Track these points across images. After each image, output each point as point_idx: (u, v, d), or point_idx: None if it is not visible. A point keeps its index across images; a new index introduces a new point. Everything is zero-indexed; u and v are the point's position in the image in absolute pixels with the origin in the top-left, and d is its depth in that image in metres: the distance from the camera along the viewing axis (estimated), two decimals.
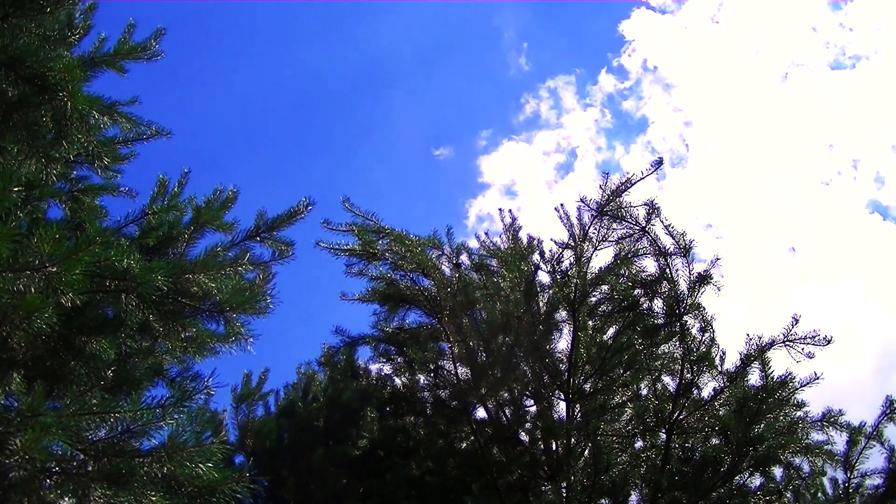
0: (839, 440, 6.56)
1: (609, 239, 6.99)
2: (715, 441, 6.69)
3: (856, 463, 6.61)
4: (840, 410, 6.47)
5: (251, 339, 4.19)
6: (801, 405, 6.44)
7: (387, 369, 7.79)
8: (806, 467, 6.85)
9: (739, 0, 24.58)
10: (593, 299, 7.18)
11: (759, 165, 25.50)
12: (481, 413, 7.27)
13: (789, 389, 6.35)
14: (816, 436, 6.49)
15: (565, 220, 7.35)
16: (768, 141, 25.31)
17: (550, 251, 7.80)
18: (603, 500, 6.82)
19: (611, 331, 7.28)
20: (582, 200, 6.85)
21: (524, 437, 7.39)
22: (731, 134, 25.65)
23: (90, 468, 3.17)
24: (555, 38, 24.47)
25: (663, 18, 24.06)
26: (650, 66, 24.01)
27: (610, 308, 7.28)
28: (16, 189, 3.21)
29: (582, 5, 24.22)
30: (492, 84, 24.97)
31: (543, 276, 7.75)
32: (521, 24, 23.82)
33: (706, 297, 6.56)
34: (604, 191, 6.73)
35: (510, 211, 8.23)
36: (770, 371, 6.36)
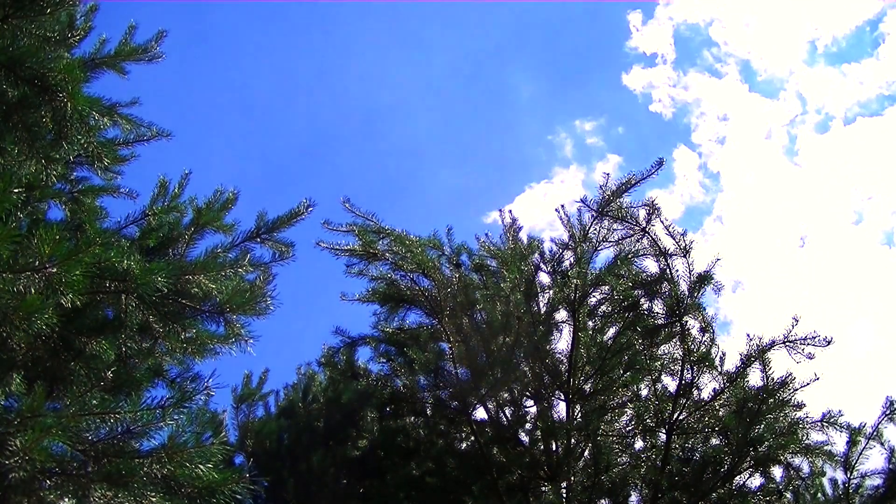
0: (839, 440, 6.57)
1: (609, 239, 7.00)
2: (715, 441, 6.70)
3: (855, 463, 6.61)
4: (840, 411, 6.48)
5: (251, 340, 4.18)
6: (800, 406, 6.44)
7: (387, 370, 7.79)
8: (806, 468, 6.86)
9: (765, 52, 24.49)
10: (593, 300, 7.19)
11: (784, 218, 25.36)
12: (481, 413, 7.28)
13: (789, 390, 6.35)
14: (816, 436, 6.50)
15: (565, 221, 7.36)
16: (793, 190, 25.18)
17: (551, 251, 7.82)
18: (603, 501, 6.83)
19: (611, 331, 7.28)
20: (582, 201, 6.87)
21: (524, 437, 7.39)
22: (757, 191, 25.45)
23: (90, 469, 3.17)
24: (568, 95, 24.40)
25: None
26: (668, 115, 23.83)
27: (610, 308, 7.28)
28: (16, 190, 3.21)
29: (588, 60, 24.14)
30: (511, 139, 24.90)
31: (544, 277, 7.77)
32: (535, 89, 23.80)
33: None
34: (604, 191, 6.74)
35: (510, 211, 8.24)
36: (770, 372, 6.37)
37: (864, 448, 6.59)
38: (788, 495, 6.91)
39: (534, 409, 7.46)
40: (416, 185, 23.28)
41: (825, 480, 7.08)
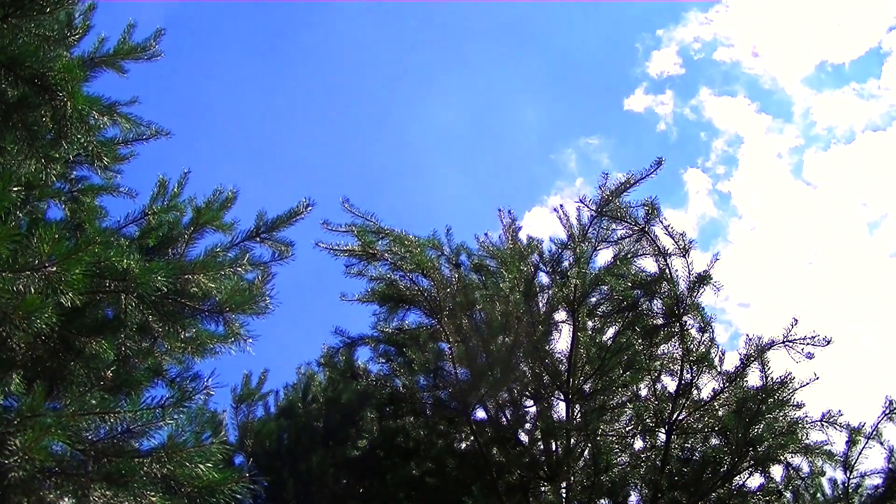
0: (839, 440, 6.57)
1: (608, 239, 7.00)
2: (714, 441, 6.69)
3: (855, 463, 6.61)
4: (839, 411, 6.48)
5: (250, 340, 4.19)
6: (800, 406, 6.44)
7: (386, 370, 7.79)
8: (805, 467, 6.86)
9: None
10: (593, 299, 7.18)
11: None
12: (481, 414, 7.28)
13: (789, 390, 6.35)
14: (816, 436, 6.49)
15: (564, 221, 7.36)
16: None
17: (550, 251, 7.81)
18: (602, 501, 6.82)
19: (610, 331, 7.27)
20: (581, 201, 6.86)
21: (524, 437, 7.38)
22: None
23: (90, 468, 3.17)
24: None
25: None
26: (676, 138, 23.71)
27: (609, 308, 7.28)
28: (15, 189, 3.21)
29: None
30: (518, 160, 24.78)
31: (543, 277, 7.76)
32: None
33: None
34: (603, 191, 6.74)
35: (509, 211, 8.23)
36: (770, 371, 6.37)
37: (863, 448, 6.59)
38: (788, 495, 6.91)
39: (533, 409, 7.47)
40: (422, 202, 23.25)
41: (825, 480, 7.08)
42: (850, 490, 6.68)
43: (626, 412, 7.03)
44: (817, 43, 25.28)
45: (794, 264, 25.04)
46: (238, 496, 3.40)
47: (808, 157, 25.03)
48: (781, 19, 23.79)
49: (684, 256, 6.54)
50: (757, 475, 6.55)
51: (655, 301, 6.88)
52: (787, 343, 6.22)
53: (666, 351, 6.94)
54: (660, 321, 6.84)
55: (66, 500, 3.20)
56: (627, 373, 7.00)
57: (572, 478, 6.64)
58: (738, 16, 23.63)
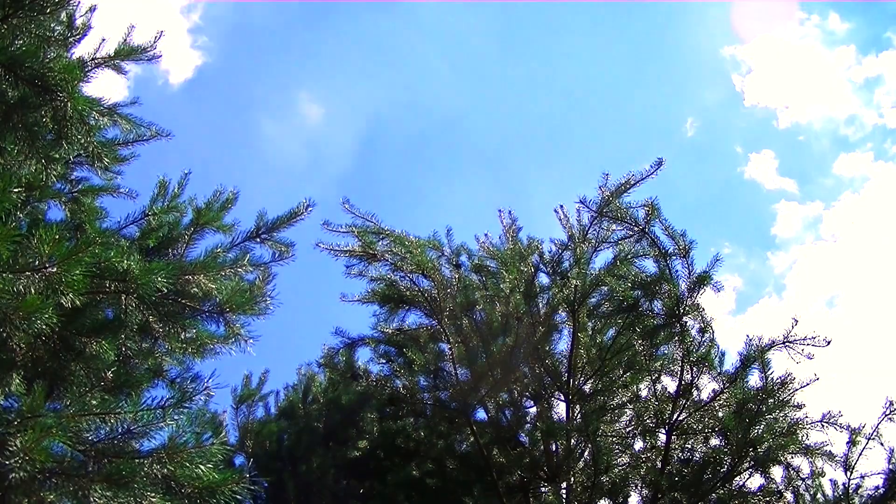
0: (839, 441, 6.57)
1: (609, 240, 6.99)
2: (715, 442, 6.69)
3: (856, 464, 6.60)
4: (840, 412, 6.47)
5: (251, 341, 4.19)
6: (800, 406, 6.43)
7: (387, 370, 7.78)
8: (806, 468, 6.85)
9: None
10: (593, 300, 7.18)
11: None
12: (481, 414, 7.28)
13: (789, 390, 6.35)
14: (816, 437, 6.49)
15: (564, 222, 7.35)
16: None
17: (550, 252, 7.80)
18: (602, 501, 6.82)
19: (610, 332, 7.27)
20: (581, 201, 6.84)
21: (524, 438, 7.38)
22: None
23: (90, 469, 3.17)
24: None
25: None
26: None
27: (610, 309, 7.27)
28: (16, 190, 3.21)
29: None
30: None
31: (544, 277, 7.76)
32: None
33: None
34: (603, 192, 6.73)
35: (510, 211, 8.22)
36: (770, 372, 6.36)
37: (864, 448, 6.58)
38: (789, 496, 6.90)
39: (534, 410, 7.46)
40: None
41: (825, 481, 7.07)
42: (851, 491, 6.67)
43: (626, 413, 7.03)
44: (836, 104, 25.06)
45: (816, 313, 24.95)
46: (238, 497, 3.40)
47: (829, 214, 24.96)
48: (803, 82, 23.72)
49: (685, 257, 6.53)
50: (757, 476, 6.55)
51: (656, 302, 6.87)
52: (787, 344, 6.21)
53: (666, 352, 6.94)
54: (660, 322, 6.83)
55: (67, 500, 3.20)
56: (628, 373, 7.00)
57: (572, 478, 6.64)
58: (761, 80, 23.60)
